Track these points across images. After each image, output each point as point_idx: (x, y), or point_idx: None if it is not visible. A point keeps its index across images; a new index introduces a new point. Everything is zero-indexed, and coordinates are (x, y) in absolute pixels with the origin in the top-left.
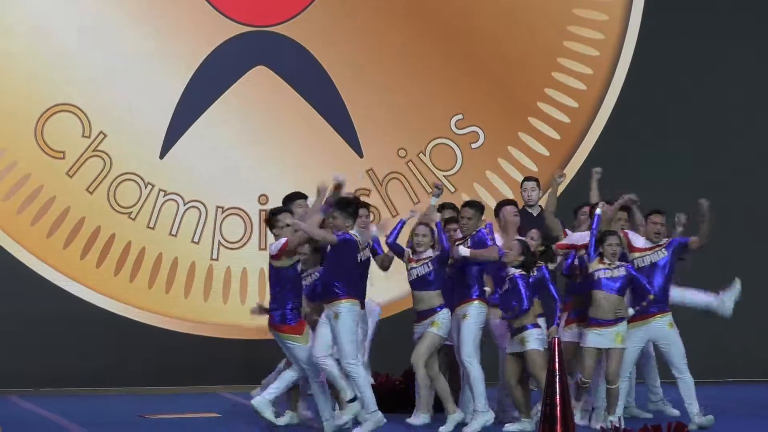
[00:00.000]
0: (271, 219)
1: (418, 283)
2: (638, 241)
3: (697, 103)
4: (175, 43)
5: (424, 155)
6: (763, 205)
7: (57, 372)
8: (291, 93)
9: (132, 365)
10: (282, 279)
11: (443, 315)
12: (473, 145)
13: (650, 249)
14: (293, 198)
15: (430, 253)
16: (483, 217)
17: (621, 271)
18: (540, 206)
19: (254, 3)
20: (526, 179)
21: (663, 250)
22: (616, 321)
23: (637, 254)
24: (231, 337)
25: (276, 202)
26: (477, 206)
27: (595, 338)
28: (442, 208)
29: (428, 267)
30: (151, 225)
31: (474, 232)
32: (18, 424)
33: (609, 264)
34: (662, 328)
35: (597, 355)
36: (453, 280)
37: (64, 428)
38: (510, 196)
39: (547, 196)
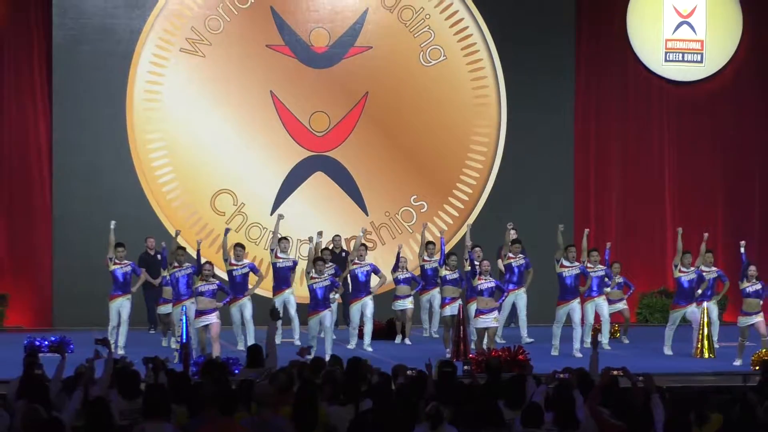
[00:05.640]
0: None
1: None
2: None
3: (541, 183)
4: (275, 157)
5: (398, 215)
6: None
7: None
8: (332, 184)
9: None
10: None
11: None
12: (422, 211)
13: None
14: None
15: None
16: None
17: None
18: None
19: (315, 140)
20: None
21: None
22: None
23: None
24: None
25: (326, 237)
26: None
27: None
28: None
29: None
30: (265, 248)
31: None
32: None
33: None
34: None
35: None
36: None
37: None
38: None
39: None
